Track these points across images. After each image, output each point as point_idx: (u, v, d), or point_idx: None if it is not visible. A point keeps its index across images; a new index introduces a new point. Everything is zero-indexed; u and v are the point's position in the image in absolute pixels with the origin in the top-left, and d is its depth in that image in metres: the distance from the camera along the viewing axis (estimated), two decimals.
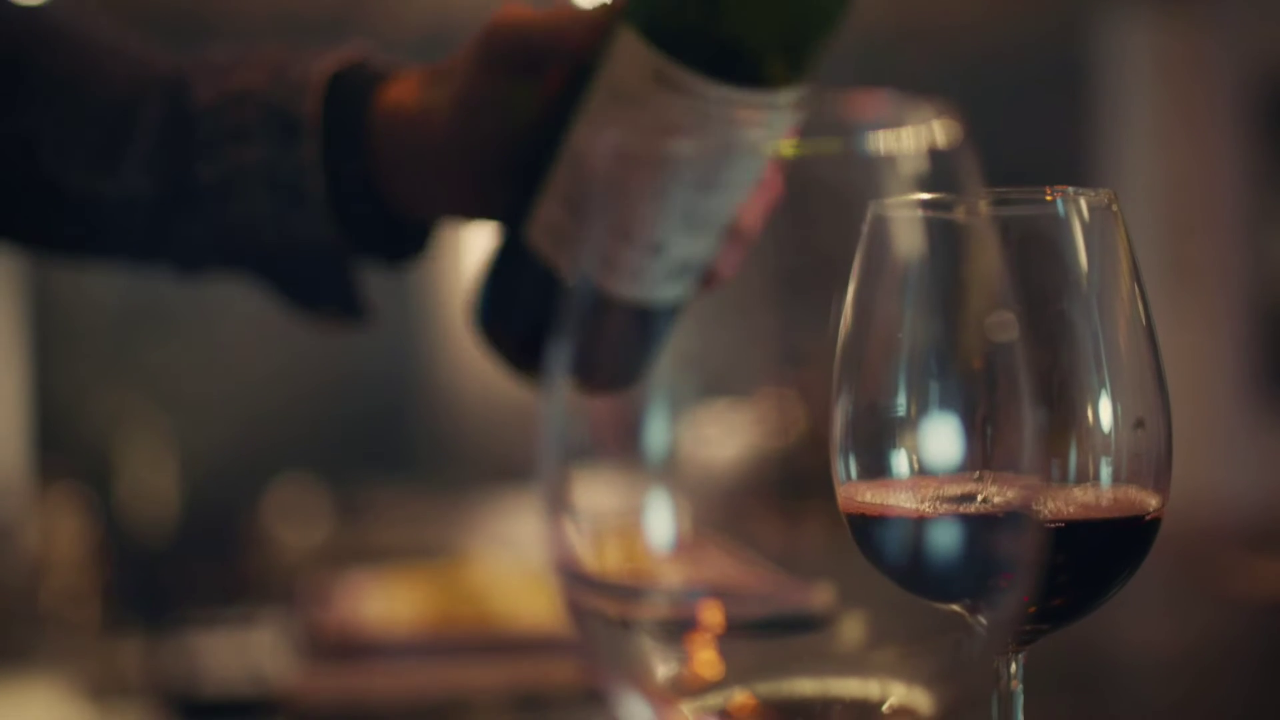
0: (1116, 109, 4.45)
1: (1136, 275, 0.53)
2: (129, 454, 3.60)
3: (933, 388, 0.41)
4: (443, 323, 4.05)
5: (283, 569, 2.33)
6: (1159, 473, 0.52)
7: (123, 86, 0.77)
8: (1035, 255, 0.52)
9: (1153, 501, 0.52)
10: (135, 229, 0.77)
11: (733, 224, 0.60)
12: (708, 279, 0.62)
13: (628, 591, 0.39)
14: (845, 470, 0.44)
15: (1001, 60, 4.32)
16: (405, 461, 4.03)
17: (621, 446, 0.38)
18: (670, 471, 0.38)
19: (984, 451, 0.40)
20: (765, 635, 0.40)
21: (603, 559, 0.39)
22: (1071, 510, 0.51)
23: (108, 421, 3.78)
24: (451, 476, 3.71)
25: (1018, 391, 0.39)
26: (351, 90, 0.75)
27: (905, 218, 0.40)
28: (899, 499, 0.43)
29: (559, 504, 0.39)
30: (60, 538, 2.47)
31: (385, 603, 1.40)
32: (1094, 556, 0.53)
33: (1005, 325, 0.39)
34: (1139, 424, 0.52)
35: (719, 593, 0.39)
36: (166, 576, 2.49)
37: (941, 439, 0.40)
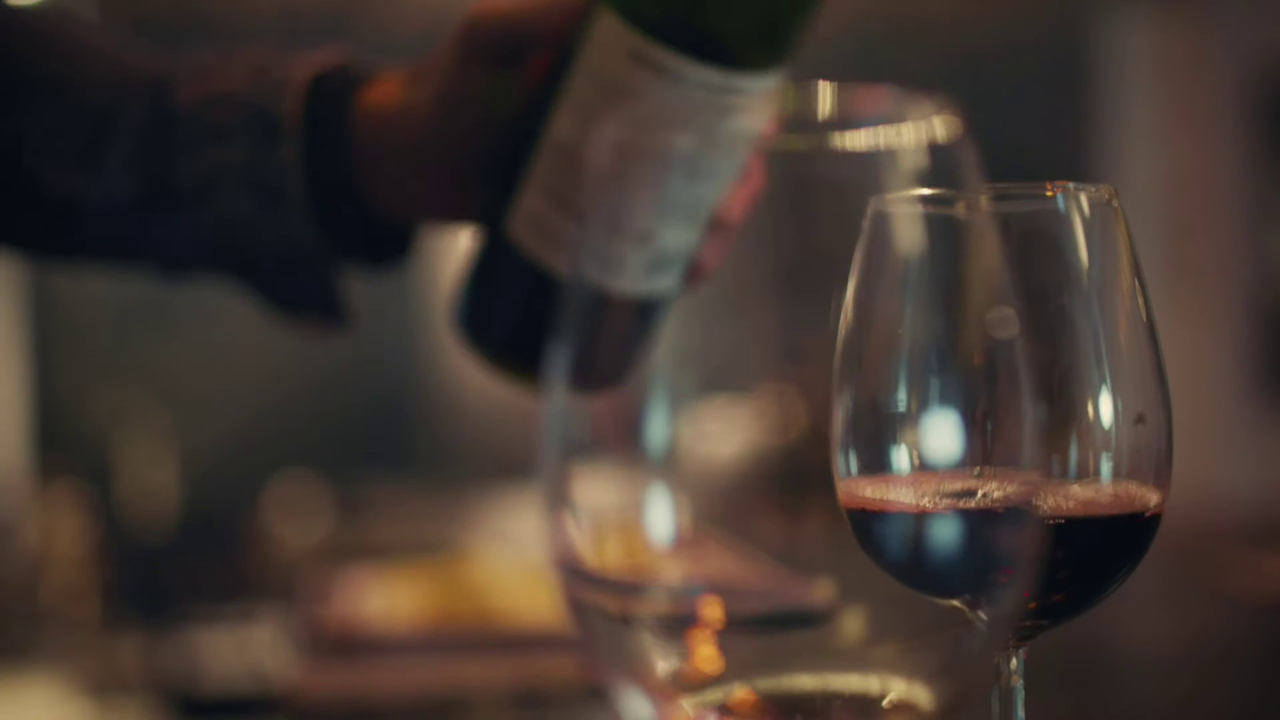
0: (1117, 106, 4.45)
1: (1137, 271, 0.53)
2: (129, 451, 3.60)
3: (933, 383, 0.41)
4: (443, 319, 4.03)
5: (283, 566, 2.33)
6: (1159, 469, 0.52)
7: (105, 87, 0.77)
8: (1036, 251, 0.52)
9: (1153, 498, 0.52)
10: (117, 230, 0.77)
11: (717, 216, 0.60)
12: (694, 272, 0.62)
13: (628, 587, 0.39)
14: (845, 466, 0.44)
15: (1002, 57, 4.32)
16: (405, 458, 4.03)
17: (622, 442, 0.38)
18: (670, 467, 0.38)
19: (984, 447, 0.40)
20: (765, 631, 0.40)
21: (603, 555, 0.39)
22: (1072, 506, 0.51)
23: (108, 419, 3.78)
24: (452, 473, 3.71)
25: (1018, 387, 0.39)
26: (333, 91, 0.75)
27: (906, 213, 0.39)
28: (899, 494, 0.43)
29: (559, 500, 0.39)
30: (60, 535, 2.47)
31: (386, 599, 1.40)
32: (1094, 552, 0.53)
33: (1006, 321, 0.39)
34: (1139, 420, 0.52)
35: (719, 588, 0.39)
36: (167, 573, 2.49)
37: (942, 434, 0.40)
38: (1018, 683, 0.53)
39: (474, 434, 3.99)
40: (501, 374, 0.74)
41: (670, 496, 0.38)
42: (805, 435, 0.40)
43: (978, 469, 0.41)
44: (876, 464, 0.44)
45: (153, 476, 3.52)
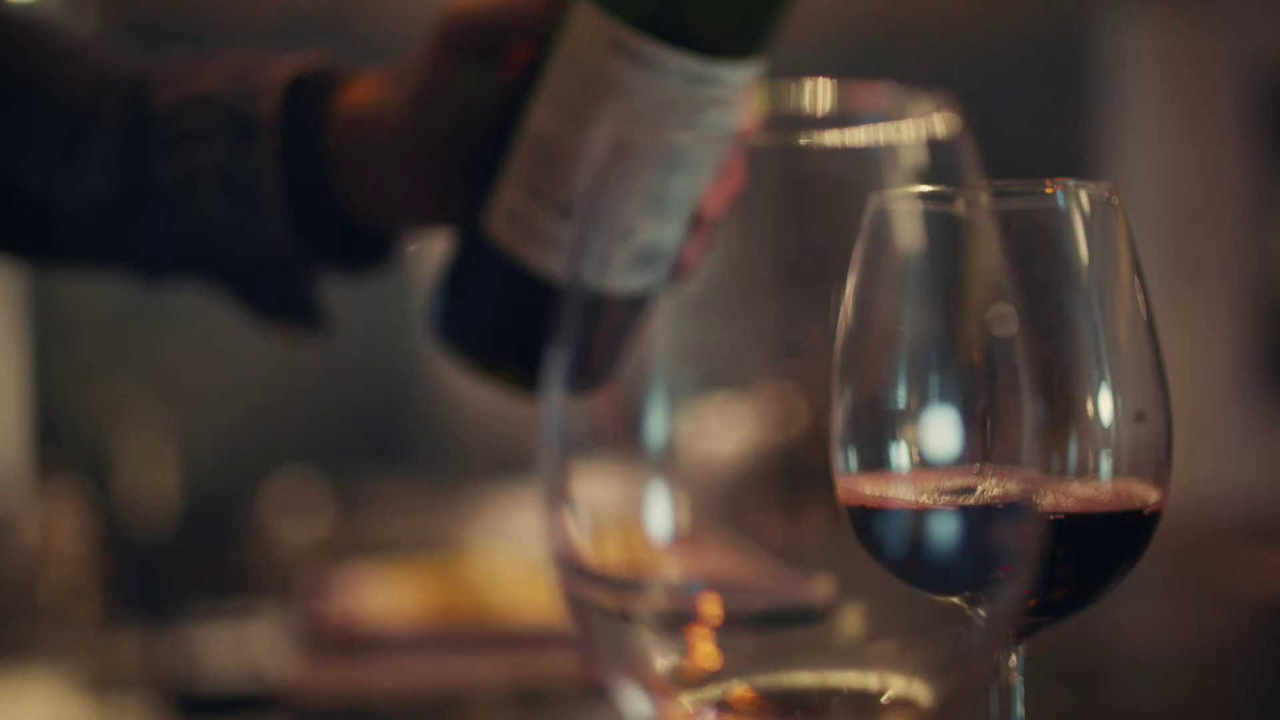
0: (1117, 105, 4.45)
1: (1137, 268, 0.53)
2: (129, 448, 3.60)
3: (933, 380, 0.41)
4: None
5: (283, 562, 2.33)
6: (1159, 466, 0.52)
7: (83, 88, 0.76)
8: (1036, 248, 0.52)
9: (1153, 495, 0.52)
10: (95, 232, 0.77)
11: (698, 211, 0.60)
12: (677, 269, 0.62)
13: (627, 584, 0.39)
14: (845, 463, 0.44)
15: (1002, 56, 4.32)
16: (405, 454, 4.03)
17: (621, 439, 0.38)
18: (670, 464, 0.38)
19: (984, 444, 0.40)
20: (764, 628, 0.40)
21: (602, 552, 0.39)
22: (1071, 504, 0.51)
23: (107, 415, 3.78)
24: (451, 469, 3.71)
25: (1018, 384, 0.39)
26: (310, 92, 0.74)
27: (906, 210, 0.39)
28: (899, 492, 0.43)
29: (558, 497, 0.39)
30: (59, 531, 2.47)
31: (385, 596, 1.40)
32: (1093, 550, 0.53)
33: (1006, 318, 0.39)
34: (1139, 417, 0.52)
35: (718, 585, 0.39)
36: (166, 570, 2.49)
37: (942, 432, 0.40)
38: (1017, 680, 0.53)
39: (474, 431, 3.99)
40: (481, 375, 0.74)
41: (669, 493, 0.38)
42: (805, 432, 0.40)
43: (977, 466, 0.41)
44: (876, 461, 0.44)
45: (152, 473, 3.52)
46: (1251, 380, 4.37)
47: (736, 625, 0.39)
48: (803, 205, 0.39)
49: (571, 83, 0.66)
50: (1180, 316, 4.11)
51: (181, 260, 0.77)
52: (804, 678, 0.40)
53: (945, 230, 0.40)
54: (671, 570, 0.38)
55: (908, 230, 0.40)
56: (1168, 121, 4.39)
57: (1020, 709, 0.53)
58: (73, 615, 1.99)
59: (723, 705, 0.39)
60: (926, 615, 0.40)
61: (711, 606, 0.39)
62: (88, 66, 0.78)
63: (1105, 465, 0.52)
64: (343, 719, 1.14)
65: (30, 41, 0.79)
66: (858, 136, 0.38)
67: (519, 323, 0.71)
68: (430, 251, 0.82)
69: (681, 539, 0.38)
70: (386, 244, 0.80)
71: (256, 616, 1.51)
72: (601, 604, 0.39)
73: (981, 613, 0.39)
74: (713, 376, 0.38)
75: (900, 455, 0.43)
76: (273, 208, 0.73)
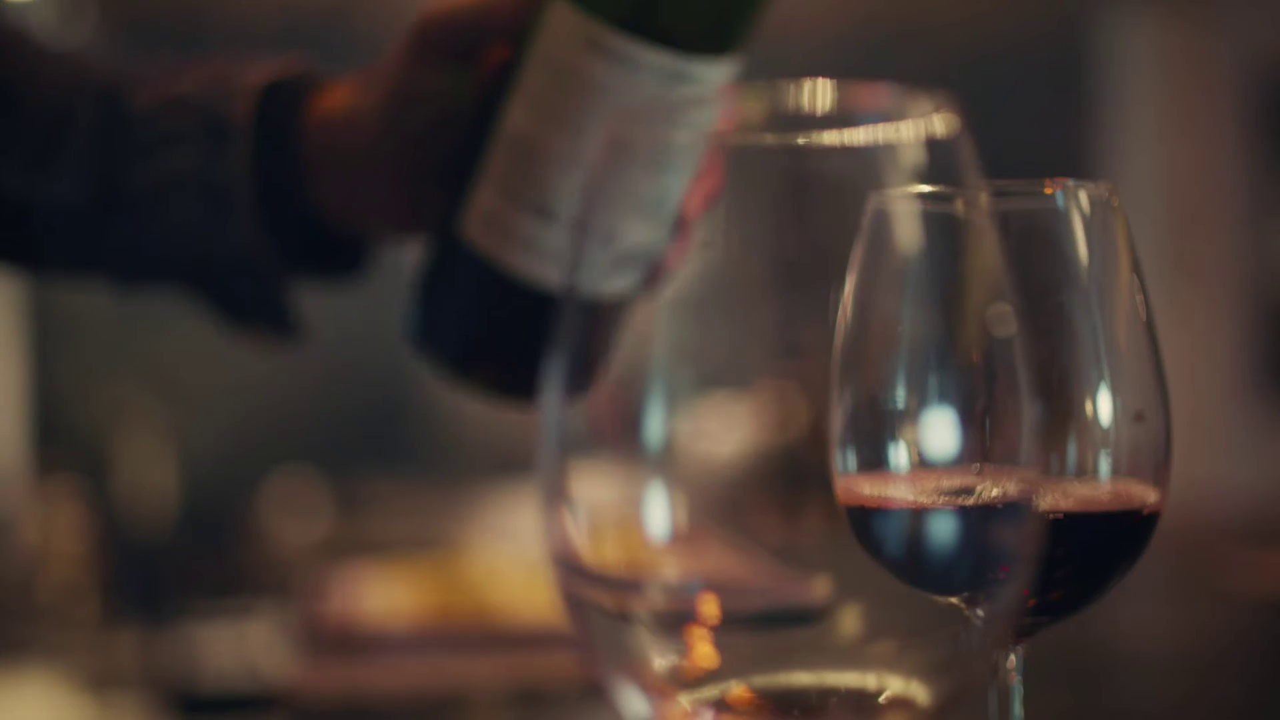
0: (1118, 104, 4.45)
1: (1136, 268, 0.53)
2: (128, 447, 3.60)
3: (932, 381, 0.41)
4: None
5: (281, 562, 2.33)
6: (1158, 466, 0.52)
7: (59, 90, 0.76)
8: (1035, 248, 0.52)
9: (1152, 495, 0.52)
10: (71, 236, 0.76)
11: (677, 213, 0.60)
12: (654, 272, 0.61)
13: (625, 584, 0.39)
14: (844, 463, 0.44)
15: (1003, 55, 4.32)
16: (404, 454, 4.03)
17: (620, 439, 0.38)
18: (668, 464, 0.38)
19: (983, 444, 0.40)
20: (763, 628, 0.40)
21: (601, 551, 0.39)
22: (1070, 503, 0.51)
23: (106, 415, 3.78)
24: (451, 469, 3.71)
25: (1017, 385, 0.39)
26: (285, 97, 0.74)
27: (905, 211, 0.39)
28: (898, 492, 0.43)
29: (557, 496, 0.39)
30: (58, 531, 2.47)
31: (384, 595, 1.40)
32: (1093, 550, 0.53)
33: (1005, 318, 0.39)
34: (1138, 417, 0.52)
35: (717, 585, 0.39)
36: (165, 570, 2.48)
37: (941, 432, 0.40)
38: (1015, 680, 0.53)
39: (473, 430, 3.99)
40: (459, 380, 0.73)
41: (668, 493, 0.38)
42: (804, 432, 0.40)
43: (976, 466, 0.41)
44: (875, 461, 0.44)
45: (151, 472, 3.52)
46: (1251, 380, 4.37)
47: (735, 625, 0.39)
48: (802, 205, 0.39)
49: (547, 82, 0.66)
50: (1180, 317, 4.11)
51: (157, 265, 0.77)
52: (802, 678, 0.40)
53: (945, 230, 0.40)
54: (670, 570, 0.38)
55: (907, 230, 0.40)
56: (1168, 121, 4.39)
57: (1019, 709, 0.53)
58: (71, 615, 1.99)
59: (721, 705, 0.39)
60: (925, 615, 0.40)
61: (710, 606, 0.39)
62: (64, 69, 0.77)
63: (1104, 465, 0.52)
64: (342, 719, 1.14)
65: (5, 44, 0.78)
66: (857, 136, 0.38)
67: (497, 326, 0.71)
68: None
69: (680, 539, 0.38)
70: (362, 251, 0.79)
71: (256, 616, 1.51)
72: (600, 604, 0.39)
73: (980, 613, 0.39)
74: (712, 376, 0.38)
75: (899, 455, 0.43)
76: (246, 212, 0.73)
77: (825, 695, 0.40)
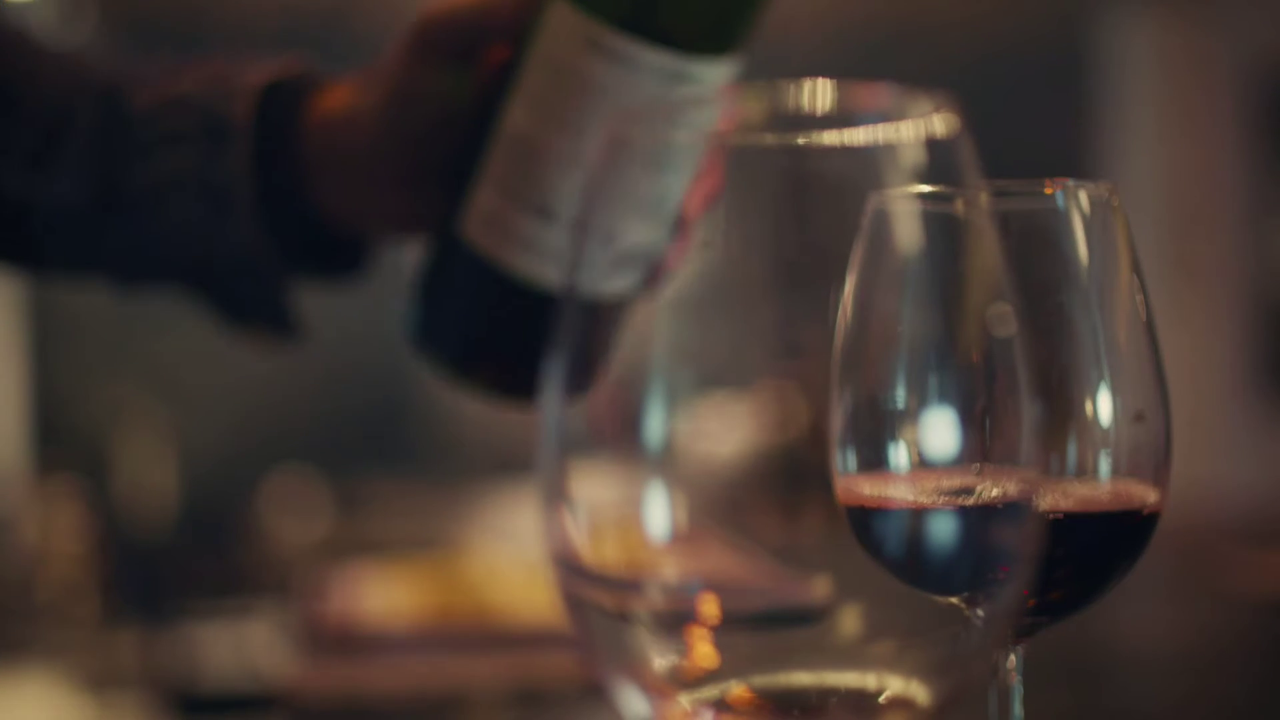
0: (1118, 104, 4.45)
1: (1136, 268, 0.53)
2: (128, 447, 3.60)
3: (932, 381, 0.41)
4: None
5: (281, 561, 2.33)
6: (1158, 466, 0.52)
7: (59, 90, 0.76)
8: (1035, 248, 0.52)
9: (1152, 495, 0.52)
10: (71, 235, 0.76)
11: (677, 213, 0.59)
12: (654, 272, 0.61)
13: (625, 584, 0.39)
14: (844, 463, 0.44)
15: (1002, 57, 4.32)
16: (404, 454, 4.03)
17: (620, 439, 0.38)
18: (668, 464, 0.38)
19: (983, 444, 0.40)
20: (763, 628, 0.40)
21: (600, 551, 0.39)
22: (1070, 503, 0.51)
23: (106, 414, 3.78)
24: (450, 469, 3.71)
25: (1017, 385, 0.39)
26: (285, 97, 0.74)
27: (905, 211, 0.39)
28: (898, 492, 0.43)
29: (557, 496, 0.39)
30: (58, 530, 2.47)
31: (384, 596, 1.40)
32: (1092, 550, 0.53)
33: (1005, 318, 0.39)
34: (1138, 418, 0.52)
35: (717, 585, 0.39)
36: (165, 569, 2.48)
37: (941, 432, 0.40)
38: (1015, 680, 0.53)
39: (473, 430, 3.99)
40: (460, 381, 0.73)
41: (668, 493, 0.38)
42: (804, 432, 0.40)
43: (976, 466, 0.41)
44: (875, 461, 0.44)
45: (151, 472, 3.52)
46: (1251, 380, 4.37)
47: (735, 625, 0.39)
48: (802, 205, 0.39)
49: (547, 82, 0.66)
50: (1180, 317, 4.11)
51: (156, 265, 0.77)
52: (802, 678, 0.40)
53: (944, 230, 0.40)
54: (670, 570, 0.38)
55: (907, 230, 0.40)
56: (1168, 121, 4.39)
57: (1019, 709, 0.53)
58: (71, 614, 1.99)
59: (721, 705, 0.39)
60: (925, 615, 0.40)
61: (710, 606, 0.39)
62: (64, 69, 0.77)
63: (1104, 466, 0.52)
64: (342, 719, 1.14)
65: (5, 44, 0.78)
66: (857, 136, 0.38)
67: (497, 326, 0.71)
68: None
69: (680, 539, 0.38)
70: (362, 252, 0.79)
71: (255, 616, 1.51)
72: (600, 604, 0.39)
73: (980, 613, 0.39)
74: (712, 376, 0.38)
75: (899, 455, 0.43)
76: (246, 212, 0.73)
77: (825, 695, 0.40)
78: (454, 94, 0.70)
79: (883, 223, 0.40)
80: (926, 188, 0.39)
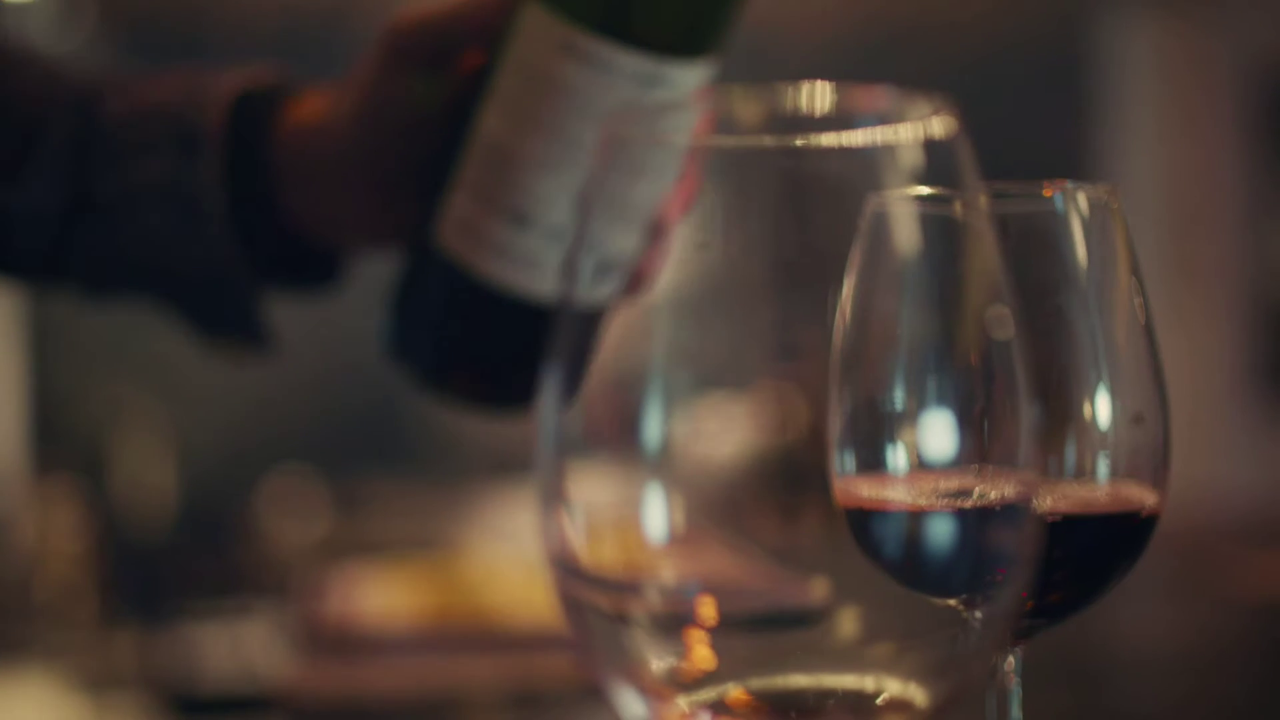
0: (1118, 105, 4.45)
1: (1136, 271, 0.53)
2: (126, 446, 3.60)
3: (931, 382, 0.41)
4: None
5: (280, 561, 2.33)
6: (1157, 468, 0.52)
7: (33, 98, 0.76)
8: (1034, 250, 0.52)
9: (1151, 497, 0.52)
10: (42, 243, 0.76)
11: (656, 220, 0.59)
12: (634, 281, 0.61)
13: (623, 586, 0.39)
14: (842, 464, 0.44)
15: (1002, 57, 4.32)
16: (403, 454, 4.03)
17: (618, 440, 0.38)
18: (667, 465, 0.38)
19: (982, 446, 0.40)
20: (761, 630, 0.40)
21: (598, 553, 0.39)
22: (1069, 506, 0.51)
23: (105, 414, 3.78)
24: (449, 469, 3.71)
25: (1015, 387, 0.39)
26: (257, 107, 0.74)
27: (904, 212, 0.39)
28: (896, 494, 0.43)
29: (554, 497, 0.39)
30: (56, 530, 2.47)
31: (382, 596, 1.40)
32: (1091, 552, 0.53)
33: (1003, 320, 0.39)
34: (1137, 419, 0.52)
35: (714, 587, 0.39)
36: (163, 569, 2.48)
37: (939, 434, 0.40)
38: (1015, 682, 0.53)
39: (472, 430, 3.99)
40: (434, 391, 0.72)
41: (666, 494, 0.38)
42: (802, 434, 0.40)
43: (975, 468, 0.40)
44: (873, 463, 0.44)
45: (150, 472, 3.52)
46: (1250, 382, 4.37)
47: (733, 627, 0.39)
48: (801, 207, 0.39)
49: (521, 87, 0.65)
50: (1179, 318, 4.11)
51: (128, 274, 0.76)
52: (800, 680, 0.40)
53: (943, 232, 0.40)
54: (668, 572, 0.38)
55: (906, 232, 0.40)
56: (1168, 122, 4.39)
57: (1017, 711, 0.53)
58: (69, 614, 1.99)
59: (718, 707, 0.39)
60: (923, 617, 0.40)
61: (708, 608, 0.39)
62: (38, 77, 0.77)
63: (1103, 467, 0.51)
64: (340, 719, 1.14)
65: None
66: (856, 138, 0.38)
67: (471, 334, 0.70)
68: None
69: (678, 540, 0.38)
70: (335, 263, 0.79)
71: (254, 616, 1.51)
72: (597, 605, 0.39)
73: (979, 615, 0.39)
74: (710, 377, 0.38)
75: (898, 457, 0.43)
76: (217, 222, 0.72)
77: (823, 697, 0.40)
78: (427, 100, 0.69)
79: (881, 224, 0.40)
80: (925, 190, 0.39)
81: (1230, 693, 1.19)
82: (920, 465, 0.42)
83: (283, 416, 4.08)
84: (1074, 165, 4.31)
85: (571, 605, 0.39)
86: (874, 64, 3.99)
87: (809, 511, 0.40)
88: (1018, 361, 0.39)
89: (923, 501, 0.42)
